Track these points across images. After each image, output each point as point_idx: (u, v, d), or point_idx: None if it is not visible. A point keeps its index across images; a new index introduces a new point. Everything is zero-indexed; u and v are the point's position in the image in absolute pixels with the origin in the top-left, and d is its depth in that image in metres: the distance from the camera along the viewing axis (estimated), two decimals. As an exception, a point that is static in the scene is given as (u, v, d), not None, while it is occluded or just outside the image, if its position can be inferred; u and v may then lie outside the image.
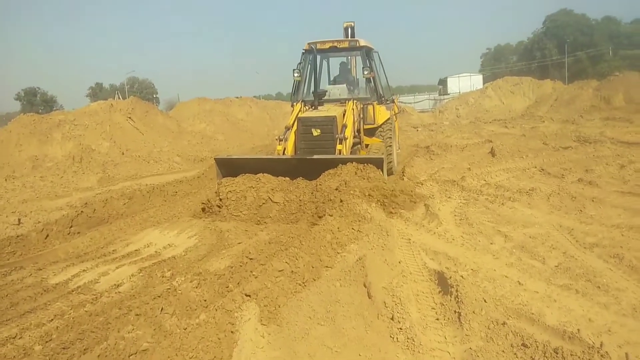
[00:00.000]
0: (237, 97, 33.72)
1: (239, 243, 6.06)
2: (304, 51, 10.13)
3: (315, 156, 7.54)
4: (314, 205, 6.80)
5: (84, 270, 5.55)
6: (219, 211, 7.27)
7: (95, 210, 8.06)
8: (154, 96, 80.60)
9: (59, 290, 5.02)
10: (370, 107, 9.51)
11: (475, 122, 23.63)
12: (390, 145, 9.89)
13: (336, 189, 6.77)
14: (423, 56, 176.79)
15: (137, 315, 4.02)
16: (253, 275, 4.42)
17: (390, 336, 3.51)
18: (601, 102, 24.19)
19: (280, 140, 8.44)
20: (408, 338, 3.44)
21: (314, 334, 3.57)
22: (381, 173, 7.19)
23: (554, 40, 70.68)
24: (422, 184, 8.49)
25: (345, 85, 10.52)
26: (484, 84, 44.50)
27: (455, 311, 3.72)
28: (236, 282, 4.57)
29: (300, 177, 7.48)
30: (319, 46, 9.89)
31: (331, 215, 5.97)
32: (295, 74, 9.86)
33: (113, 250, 6.39)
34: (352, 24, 10.47)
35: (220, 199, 7.29)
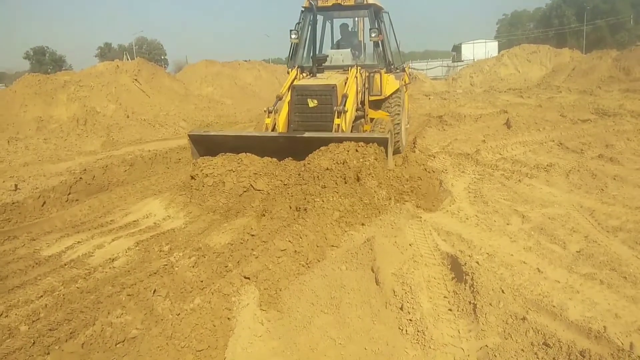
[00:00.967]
0: (246, 61, 33.01)
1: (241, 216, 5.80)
2: (303, 9, 8.89)
3: (307, 134, 6.45)
4: (299, 191, 5.73)
5: (78, 242, 5.32)
6: (192, 198, 6.36)
7: (94, 177, 7.78)
8: (162, 57, 79.62)
9: (51, 264, 4.80)
10: (377, 76, 8.31)
11: (489, 91, 22.95)
12: (398, 123, 8.75)
13: (327, 169, 5.74)
14: (436, 21, 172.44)
15: (129, 295, 3.78)
16: (254, 254, 4.15)
17: (399, 328, 3.24)
18: (620, 72, 23.37)
19: (270, 112, 7.33)
20: (418, 331, 3.17)
21: (317, 323, 3.31)
22: (385, 156, 6.13)
23: (573, 8, 68.37)
24: (434, 157, 8.13)
25: (349, 50, 9.29)
26: (499, 51, 43.31)
27: (470, 302, 3.43)
28: (236, 261, 4.31)
29: (289, 158, 6.49)
30: (320, 3, 8.68)
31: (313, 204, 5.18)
32: (293, 36, 8.66)
33: (111, 221, 6.15)
34: None
35: (194, 187, 6.39)
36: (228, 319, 3.35)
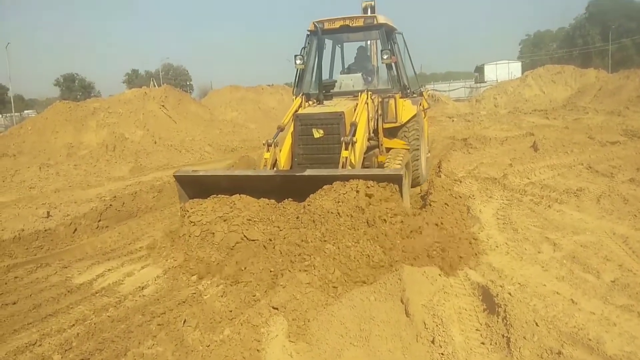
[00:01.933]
0: (269, 85, 33.52)
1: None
2: (308, 33, 8.19)
3: (307, 171, 5.66)
4: (296, 237, 4.82)
5: (109, 270, 5.42)
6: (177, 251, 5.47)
7: (124, 203, 7.95)
8: (188, 83, 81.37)
9: (83, 292, 4.88)
10: (391, 101, 7.60)
11: (514, 113, 22.74)
12: (417, 149, 8.06)
13: (329, 212, 4.88)
14: (458, 42, 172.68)
15: (159, 325, 3.82)
16: (281, 285, 4.15)
17: (431, 362, 3.18)
18: (650, 92, 22.94)
19: (269, 145, 6.52)
20: (450, 365, 3.11)
21: (347, 356, 3.28)
22: (399, 196, 5.28)
23: (598, 27, 67.80)
24: (460, 182, 8.05)
25: (360, 74, 8.51)
26: (522, 72, 43.07)
27: (503, 335, 3.36)
28: (263, 290, 4.32)
29: (289, 199, 5.68)
30: (326, 25, 7.96)
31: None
32: (297, 61, 7.98)
33: (140, 248, 6.24)
34: (372, 4, 8.59)
35: (181, 237, 5.57)
36: (257, 350, 3.35)
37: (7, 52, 53.75)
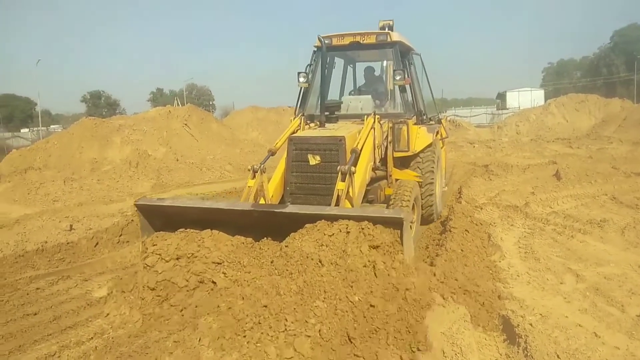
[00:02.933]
0: (290, 107, 33.89)
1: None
2: (315, 49, 7.47)
3: (289, 208, 4.82)
4: (264, 291, 3.92)
5: (128, 284, 5.45)
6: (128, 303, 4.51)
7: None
8: (211, 103, 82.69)
9: (102, 305, 4.92)
10: (403, 128, 6.84)
11: (536, 140, 22.58)
12: (431, 182, 7.36)
13: (309, 258, 4.07)
14: (481, 68, 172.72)
15: (175, 342, 3.82)
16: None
17: (449, 392, 3.12)
18: (676, 123, 22.58)
19: (255, 171, 5.60)
20: (469, 396, 3.05)
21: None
22: (400, 243, 4.41)
23: (622, 56, 67.26)
24: (481, 208, 7.98)
25: (370, 97, 7.76)
26: (545, 100, 42.81)
27: (523, 367, 3.29)
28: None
29: (268, 238, 4.83)
30: (334, 41, 7.31)
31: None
32: (301, 79, 7.32)
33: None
34: (390, 23, 7.78)
35: (135, 284, 4.61)
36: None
37: (37, 68, 55.41)
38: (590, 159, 14.13)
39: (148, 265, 4.65)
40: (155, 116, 20.75)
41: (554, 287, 4.76)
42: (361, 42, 7.23)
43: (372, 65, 8.56)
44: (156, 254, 4.71)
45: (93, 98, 75.11)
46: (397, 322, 3.63)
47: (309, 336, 3.37)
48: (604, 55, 71.70)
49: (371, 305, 3.69)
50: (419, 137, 7.16)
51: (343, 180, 5.15)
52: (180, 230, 4.92)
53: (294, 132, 6.54)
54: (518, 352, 3.46)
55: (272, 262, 4.29)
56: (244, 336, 3.48)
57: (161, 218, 5.25)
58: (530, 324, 3.79)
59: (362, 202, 6.18)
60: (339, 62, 8.54)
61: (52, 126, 54.07)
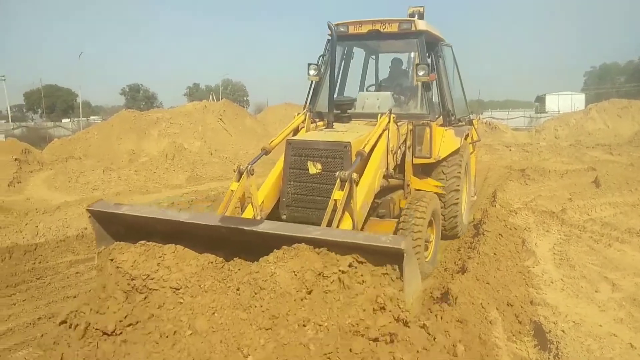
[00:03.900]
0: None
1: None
2: (329, 37, 6.34)
3: (263, 225, 3.71)
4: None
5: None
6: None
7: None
8: (245, 99, 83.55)
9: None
10: (426, 130, 5.98)
11: (576, 146, 21.97)
12: (455, 190, 6.48)
13: (282, 294, 3.29)
14: (520, 69, 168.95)
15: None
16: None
17: (477, 394, 3.11)
18: None
19: (241, 173, 4.80)
20: (497, 400, 3.04)
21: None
22: (401, 278, 3.42)
23: (670, 61, 64.70)
24: (516, 213, 7.85)
25: (390, 93, 6.84)
26: (586, 104, 41.57)
27: (554, 373, 3.25)
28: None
29: (239, 257, 3.86)
30: (352, 29, 6.46)
31: None
32: (311, 72, 6.48)
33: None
34: (421, 10, 6.80)
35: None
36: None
37: (79, 61, 57.13)
38: (632, 167, 13.66)
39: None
40: (191, 110, 21.16)
41: (588, 295, 4.66)
42: (382, 30, 6.32)
43: (399, 57, 7.63)
44: (121, 260, 3.89)
45: (132, 91, 76.93)
46: None
47: None
48: (650, 60, 69.17)
49: None
50: (444, 141, 6.35)
51: (342, 188, 4.26)
52: (141, 242, 3.98)
53: (296, 130, 5.95)
54: (549, 358, 3.42)
55: (237, 290, 3.45)
56: None
57: (120, 226, 4.38)
58: (563, 331, 3.73)
59: (371, 217, 5.51)
60: (360, 54, 7.70)
61: (91, 117, 55.68)
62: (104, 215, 4.37)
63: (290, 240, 3.57)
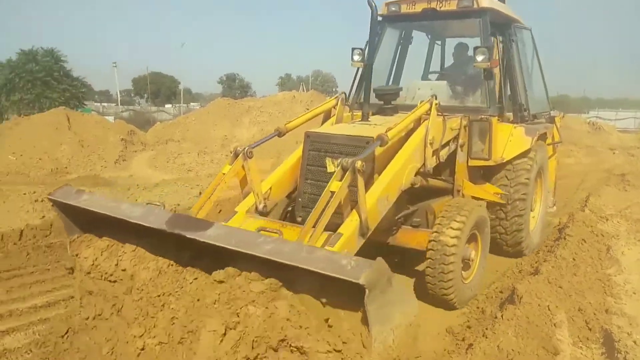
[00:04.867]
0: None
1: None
2: (380, 19, 5.81)
3: (211, 231, 3.07)
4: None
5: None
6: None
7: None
8: (334, 89, 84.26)
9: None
10: (484, 126, 5.25)
11: (690, 153, 19.97)
12: (521, 199, 5.66)
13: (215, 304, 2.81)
14: (633, 66, 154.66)
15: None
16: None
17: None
18: None
19: (237, 154, 4.28)
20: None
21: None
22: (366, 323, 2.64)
23: None
24: (606, 220, 7.40)
25: (446, 82, 6.15)
26: None
27: (618, 383, 3.14)
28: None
29: (194, 267, 3.22)
30: (404, 8, 5.81)
31: None
32: (355, 57, 5.74)
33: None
34: None
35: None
36: None
37: (182, 50, 60.60)
38: None
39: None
40: (281, 100, 21.84)
41: (673, 310, 4.37)
42: (438, 9, 5.60)
43: (465, 42, 6.74)
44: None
45: (228, 80, 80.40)
46: None
47: None
48: None
49: None
50: (512, 140, 5.55)
51: (340, 179, 3.52)
52: (105, 238, 3.68)
53: (327, 117, 5.46)
54: (616, 367, 3.30)
55: (186, 312, 2.88)
56: None
57: (84, 216, 3.84)
58: (634, 342, 3.57)
59: (400, 226, 4.85)
60: (418, 37, 6.91)
61: (191, 104, 59.13)
62: (61, 205, 3.91)
63: (238, 256, 2.92)
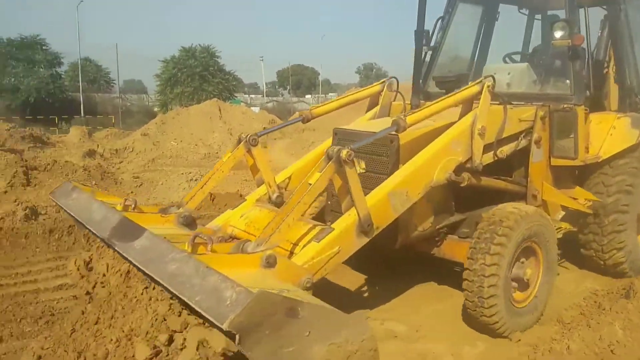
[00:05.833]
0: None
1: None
2: None
3: (138, 242, 2.67)
4: None
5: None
6: None
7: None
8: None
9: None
10: (567, 117, 4.22)
11: None
12: (622, 211, 4.43)
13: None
14: None
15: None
16: None
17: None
18: None
19: (240, 141, 3.83)
20: None
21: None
22: None
23: None
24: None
25: (527, 65, 5.04)
26: None
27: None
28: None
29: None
30: None
31: None
32: (419, 42, 5.12)
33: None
34: None
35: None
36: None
37: (322, 42, 62.60)
38: None
39: None
40: (408, 89, 21.83)
41: None
42: None
43: (556, 13, 5.65)
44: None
45: (366, 70, 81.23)
46: None
47: None
48: None
49: None
50: (613, 134, 4.43)
51: (321, 170, 3.00)
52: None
53: (372, 103, 4.91)
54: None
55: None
56: None
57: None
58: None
59: (449, 235, 4.16)
60: (507, 10, 5.89)
61: (330, 94, 61.05)
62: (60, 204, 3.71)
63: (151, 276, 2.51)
